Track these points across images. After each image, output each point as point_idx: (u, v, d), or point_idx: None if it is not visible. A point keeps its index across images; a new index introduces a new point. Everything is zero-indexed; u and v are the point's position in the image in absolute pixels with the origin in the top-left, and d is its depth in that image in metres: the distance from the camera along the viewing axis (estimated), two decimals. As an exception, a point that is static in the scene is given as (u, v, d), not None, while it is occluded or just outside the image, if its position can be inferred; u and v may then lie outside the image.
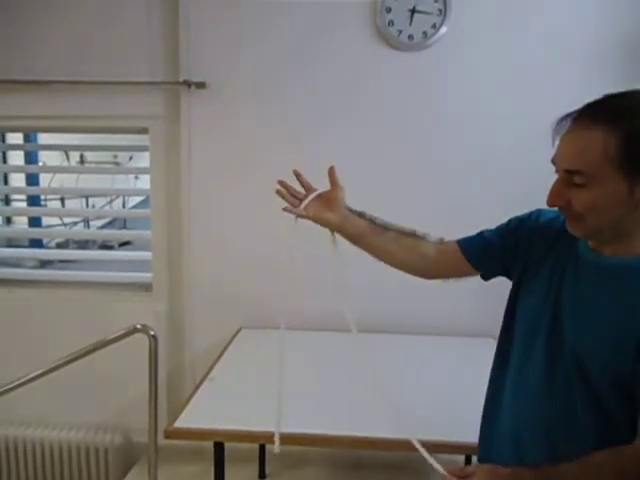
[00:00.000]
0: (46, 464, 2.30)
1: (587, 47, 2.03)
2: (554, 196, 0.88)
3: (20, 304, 2.38)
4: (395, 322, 2.15)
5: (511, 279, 1.10)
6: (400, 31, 2.05)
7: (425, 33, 2.04)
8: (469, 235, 1.14)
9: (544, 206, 0.94)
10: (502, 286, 1.11)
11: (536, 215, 1.06)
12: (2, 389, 1.76)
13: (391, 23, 2.05)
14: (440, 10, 2.03)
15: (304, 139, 2.16)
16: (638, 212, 0.84)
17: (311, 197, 1.15)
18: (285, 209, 1.16)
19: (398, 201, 2.14)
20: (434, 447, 1.46)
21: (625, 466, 0.82)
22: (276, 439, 1.08)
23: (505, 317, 1.07)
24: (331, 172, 1.15)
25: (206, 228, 2.25)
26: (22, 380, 1.74)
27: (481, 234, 1.12)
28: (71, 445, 2.28)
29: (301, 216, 1.15)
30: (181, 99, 2.16)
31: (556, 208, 0.94)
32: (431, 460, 0.95)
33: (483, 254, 1.10)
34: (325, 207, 1.15)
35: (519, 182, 2.00)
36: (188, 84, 2.11)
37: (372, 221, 1.15)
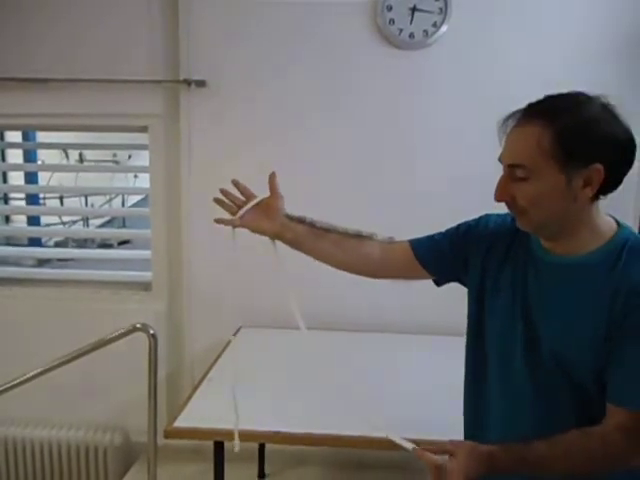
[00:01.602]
0: (45, 464, 2.29)
1: (589, 46, 2.02)
2: (500, 192, 0.92)
3: (19, 303, 2.36)
4: (382, 321, 2.15)
5: (463, 284, 1.11)
6: (401, 30, 2.04)
7: (426, 32, 2.04)
8: (419, 237, 1.14)
9: None
10: None
11: (485, 220, 1.08)
12: (1, 388, 1.75)
13: (392, 22, 2.04)
14: (441, 9, 2.02)
15: (304, 138, 2.15)
16: (578, 205, 0.88)
17: (247, 206, 1.15)
18: (217, 220, 1.16)
19: (397, 199, 2.15)
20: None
21: (592, 447, 0.86)
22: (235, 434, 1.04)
23: (471, 325, 1.07)
24: (271, 179, 1.15)
25: (206, 227, 2.23)
26: (21, 379, 1.74)
27: (432, 237, 1.13)
28: (70, 445, 2.27)
29: (236, 226, 1.15)
30: (181, 97, 2.15)
31: (503, 211, 0.98)
32: (399, 440, 0.94)
33: (435, 258, 1.11)
34: (263, 215, 1.15)
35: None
36: (188, 82, 2.11)
37: (312, 225, 1.14)
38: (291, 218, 1.14)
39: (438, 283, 1.16)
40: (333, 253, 1.15)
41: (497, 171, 2.27)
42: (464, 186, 2.12)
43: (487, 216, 1.09)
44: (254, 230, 1.16)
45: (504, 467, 0.87)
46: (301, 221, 1.15)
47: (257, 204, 1.15)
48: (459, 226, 1.11)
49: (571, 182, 0.85)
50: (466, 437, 1.09)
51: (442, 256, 1.10)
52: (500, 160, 0.92)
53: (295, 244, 1.15)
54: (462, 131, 2.10)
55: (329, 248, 1.14)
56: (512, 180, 0.90)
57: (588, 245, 0.90)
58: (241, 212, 1.15)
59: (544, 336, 0.93)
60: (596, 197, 0.88)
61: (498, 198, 0.92)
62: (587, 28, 2.03)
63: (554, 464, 0.87)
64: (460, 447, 0.87)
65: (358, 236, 1.14)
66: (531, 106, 0.90)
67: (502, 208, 0.99)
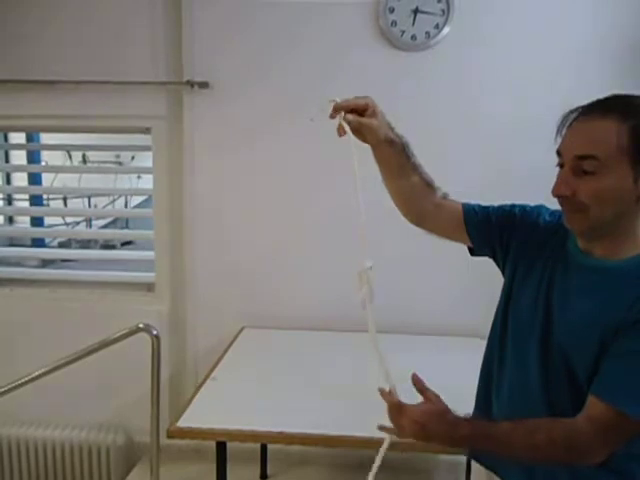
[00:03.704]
0: (48, 463, 2.30)
1: (591, 48, 2.03)
2: (561, 185, 0.89)
3: (22, 303, 2.38)
4: (387, 322, 2.14)
5: (496, 262, 1.12)
6: (403, 31, 2.05)
7: (428, 33, 2.04)
8: (472, 203, 1.15)
9: (541, 201, 0.97)
10: (489, 287, 1.12)
11: (538, 211, 1.08)
12: (4, 388, 1.76)
13: (394, 23, 2.05)
14: (443, 10, 2.03)
15: (306, 138, 2.16)
16: (636, 209, 0.87)
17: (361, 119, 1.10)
18: (333, 103, 1.11)
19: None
20: (436, 448, 1.47)
21: (557, 432, 0.87)
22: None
23: (497, 315, 1.09)
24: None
25: (209, 228, 2.25)
26: (24, 379, 1.75)
27: (486, 207, 1.13)
28: (73, 444, 2.28)
29: (343, 107, 1.10)
30: (184, 99, 2.17)
31: (553, 208, 0.99)
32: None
33: (481, 226, 1.11)
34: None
35: (520, 180, 2.00)
36: (191, 84, 2.12)
37: (408, 158, 1.12)
38: (392, 141, 1.12)
39: (473, 252, 1.16)
40: (403, 193, 1.15)
41: (499, 170, 2.26)
42: (466, 189, 2.11)
43: (541, 207, 1.08)
44: (359, 126, 1.10)
45: (467, 438, 0.90)
46: (402, 147, 1.12)
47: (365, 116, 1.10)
48: (513, 206, 1.10)
49: (637, 181, 0.84)
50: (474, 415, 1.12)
51: (488, 227, 1.10)
52: (559, 153, 0.90)
53: (381, 164, 1.12)
54: (464, 133, 2.10)
55: (404, 188, 1.14)
56: (575, 174, 0.87)
57: (626, 251, 0.90)
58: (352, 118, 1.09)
59: (557, 332, 0.94)
60: None
61: (558, 192, 0.89)
62: (589, 30, 2.03)
63: (516, 443, 0.88)
64: (436, 401, 0.94)
65: (429, 186, 1.14)
66: (601, 102, 0.89)
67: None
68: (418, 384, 0.98)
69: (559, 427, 0.88)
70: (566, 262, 0.97)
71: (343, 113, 1.09)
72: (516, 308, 1.03)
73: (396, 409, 0.94)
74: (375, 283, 0.96)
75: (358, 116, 1.09)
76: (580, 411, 0.89)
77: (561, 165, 0.91)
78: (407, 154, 1.12)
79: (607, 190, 0.85)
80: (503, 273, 1.10)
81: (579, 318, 0.91)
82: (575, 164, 0.87)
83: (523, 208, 1.09)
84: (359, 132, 1.09)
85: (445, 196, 1.16)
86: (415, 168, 1.13)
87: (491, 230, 1.10)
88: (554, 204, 0.97)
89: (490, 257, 1.13)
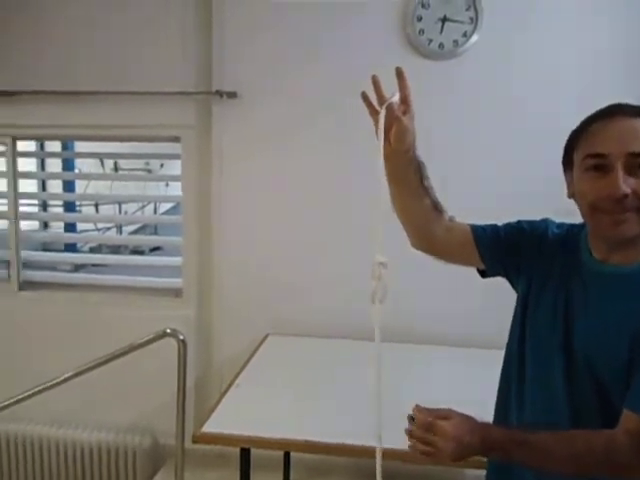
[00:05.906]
0: (77, 464, 2.34)
1: (621, 60, 1.99)
2: (623, 185, 0.84)
3: (54, 306, 2.44)
4: (414, 332, 2.13)
5: (509, 280, 1.10)
6: (430, 40, 2.04)
7: (456, 42, 2.03)
8: (479, 224, 1.12)
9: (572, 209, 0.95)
10: (505, 297, 1.10)
11: (545, 225, 1.06)
12: (34, 390, 1.81)
13: (421, 32, 2.04)
14: (471, 18, 2.01)
15: (334, 148, 2.16)
16: None
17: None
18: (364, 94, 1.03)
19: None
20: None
21: (596, 444, 0.85)
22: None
23: (515, 326, 1.06)
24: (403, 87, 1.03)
25: (236, 234, 2.28)
26: (54, 382, 1.79)
27: (494, 225, 1.11)
28: (100, 446, 2.32)
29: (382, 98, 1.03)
30: (213, 108, 2.20)
31: (553, 221, 1.02)
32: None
33: (492, 244, 1.08)
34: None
35: (551, 185, 1.96)
36: (220, 94, 2.15)
37: (421, 179, 1.06)
38: (412, 156, 1.06)
39: (484, 274, 1.13)
40: (415, 216, 1.10)
41: (533, 184, 2.21)
42: (497, 200, 2.08)
43: (547, 220, 1.07)
44: (396, 122, 1.03)
45: (500, 446, 0.86)
46: (419, 167, 1.06)
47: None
48: (519, 222, 1.09)
49: None
50: None
51: (498, 244, 1.08)
52: (597, 155, 0.87)
53: (394, 178, 1.03)
54: (494, 143, 2.08)
55: (415, 210, 1.08)
56: (628, 173, 0.85)
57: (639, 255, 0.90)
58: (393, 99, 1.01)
59: (579, 343, 0.92)
60: None
61: (619, 191, 0.84)
62: (619, 42, 1.99)
63: (554, 453, 0.85)
64: (456, 413, 0.89)
65: (438, 209, 1.10)
66: (620, 105, 0.89)
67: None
68: (421, 414, 0.90)
69: (598, 437, 0.86)
70: (581, 272, 0.95)
71: (397, 95, 1.05)
72: (534, 323, 1.01)
73: (426, 428, 0.88)
74: (388, 283, 0.85)
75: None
76: (606, 422, 0.87)
77: (596, 167, 0.87)
78: (422, 174, 1.07)
79: None
80: (516, 289, 1.08)
81: (603, 326, 0.89)
82: (629, 162, 0.85)
83: (530, 222, 1.08)
84: (388, 131, 1.01)
85: (452, 219, 1.13)
86: (427, 190, 1.08)
87: (502, 247, 1.07)
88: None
89: (503, 276, 1.11)
